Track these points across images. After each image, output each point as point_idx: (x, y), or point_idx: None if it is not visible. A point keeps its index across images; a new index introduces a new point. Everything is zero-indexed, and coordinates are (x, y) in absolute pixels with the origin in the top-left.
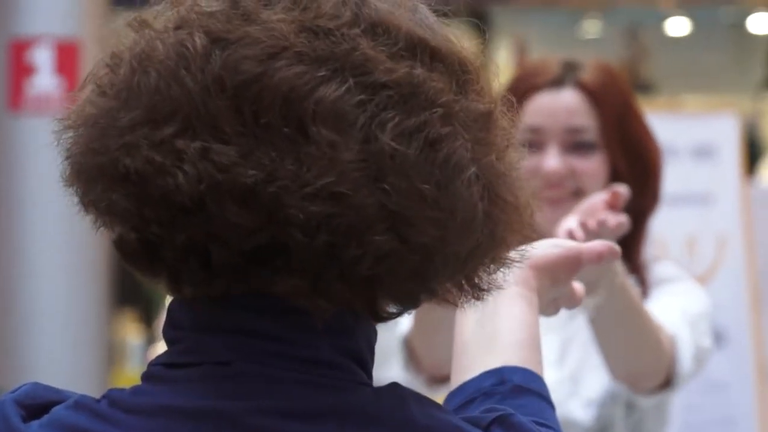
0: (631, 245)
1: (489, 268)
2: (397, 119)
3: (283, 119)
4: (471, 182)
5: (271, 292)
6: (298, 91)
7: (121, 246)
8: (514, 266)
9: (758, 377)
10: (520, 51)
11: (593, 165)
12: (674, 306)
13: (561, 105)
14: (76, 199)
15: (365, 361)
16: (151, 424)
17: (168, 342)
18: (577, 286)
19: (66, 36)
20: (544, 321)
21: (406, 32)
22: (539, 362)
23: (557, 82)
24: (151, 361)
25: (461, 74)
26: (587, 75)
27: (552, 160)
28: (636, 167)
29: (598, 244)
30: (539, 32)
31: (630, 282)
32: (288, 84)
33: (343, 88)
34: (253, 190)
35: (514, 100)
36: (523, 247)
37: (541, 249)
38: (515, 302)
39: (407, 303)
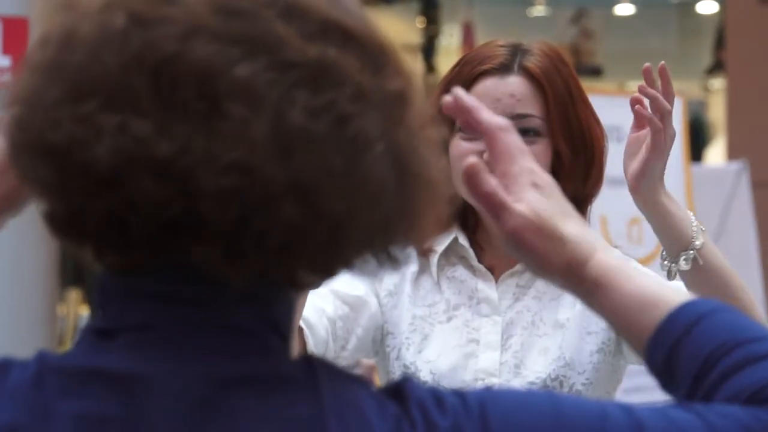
0: None
1: (405, 240)
2: (307, 97)
3: (198, 96)
4: (380, 157)
5: (193, 261)
6: (213, 69)
7: (49, 218)
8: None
9: None
10: (467, 33)
11: (537, 151)
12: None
13: (506, 91)
14: (16, 175)
15: (284, 331)
16: (76, 385)
17: (97, 308)
18: None
19: (14, 15)
20: (488, 303)
21: (321, 15)
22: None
23: (503, 68)
24: (83, 328)
25: (376, 55)
26: (533, 61)
27: None
28: (580, 154)
29: None
30: (486, 16)
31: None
32: (203, 62)
33: (256, 67)
34: (166, 162)
35: (459, 84)
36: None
37: None
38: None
39: (323, 273)
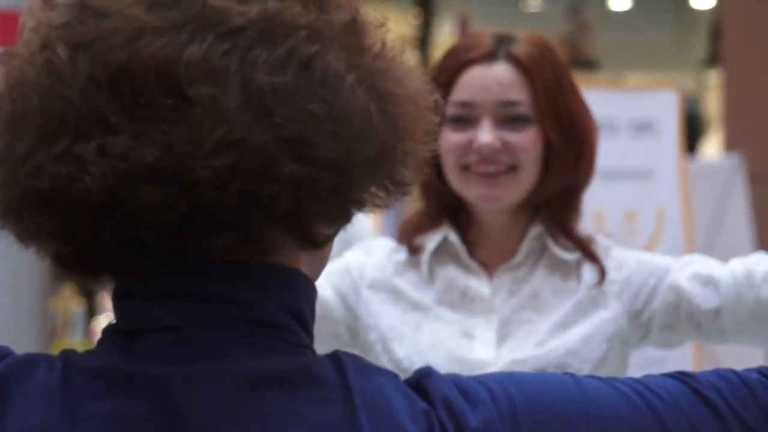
0: (566, 220)
1: (404, 162)
2: (265, 54)
3: (161, 93)
4: (354, 88)
5: (213, 255)
6: (166, 62)
7: (59, 260)
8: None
9: (694, 351)
10: (463, 27)
11: (527, 139)
12: (697, 263)
13: (493, 79)
14: (12, 238)
15: (307, 321)
16: (105, 386)
17: (118, 310)
18: None
19: (8, 9)
20: (482, 301)
21: None
22: None
23: (490, 56)
24: (105, 327)
25: None
26: (520, 48)
27: (485, 135)
28: (570, 140)
29: None
30: (481, 8)
31: None
32: (155, 59)
33: (206, 44)
34: (155, 166)
35: (446, 74)
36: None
37: None
38: None
39: (339, 219)
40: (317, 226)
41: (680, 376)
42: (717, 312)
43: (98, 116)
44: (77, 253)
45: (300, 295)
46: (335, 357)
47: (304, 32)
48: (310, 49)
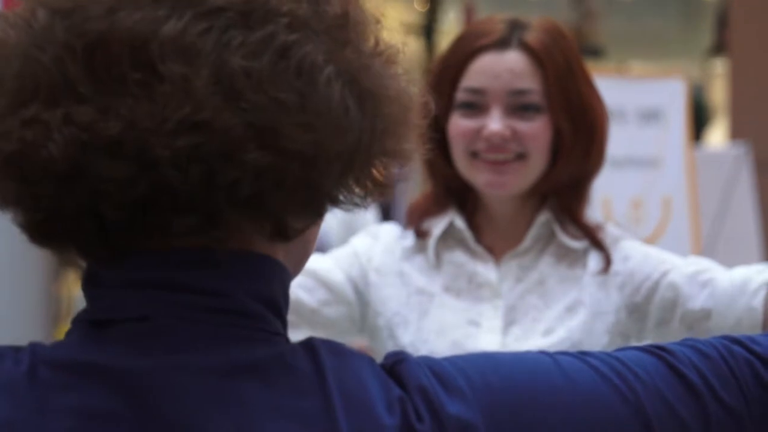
0: (574, 208)
1: (384, 161)
2: (241, 38)
3: (132, 67)
4: (331, 81)
5: (175, 237)
6: (142, 37)
7: (26, 228)
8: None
9: None
10: (468, 15)
11: (536, 128)
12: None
13: (505, 67)
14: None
15: (280, 308)
16: (72, 379)
17: (89, 299)
18: None
19: None
20: (489, 287)
21: None
22: None
23: (502, 43)
24: (75, 318)
25: None
26: (533, 35)
27: (495, 123)
28: (581, 129)
29: None
30: None
31: None
32: (130, 32)
33: (183, 22)
34: (117, 140)
35: (457, 60)
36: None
37: None
38: None
39: (309, 213)
40: (287, 218)
41: (659, 352)
42: (708, 314)
43: (69, 85)
44: (43, 224)
45: (273, 283)
46: (309, 345)
47: (286, 20)
48: (289, 37)
